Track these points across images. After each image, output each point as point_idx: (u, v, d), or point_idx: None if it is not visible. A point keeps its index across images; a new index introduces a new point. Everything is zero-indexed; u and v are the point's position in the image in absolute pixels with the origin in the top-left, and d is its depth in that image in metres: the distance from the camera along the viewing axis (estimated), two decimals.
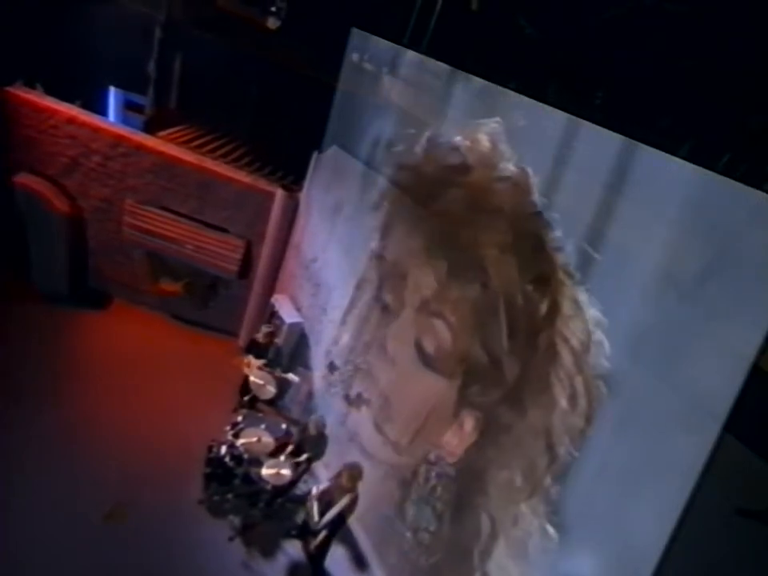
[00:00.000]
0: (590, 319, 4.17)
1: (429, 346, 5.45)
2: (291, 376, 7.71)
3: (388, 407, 6.15)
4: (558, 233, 4.52)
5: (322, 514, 5.97)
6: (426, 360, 5.50)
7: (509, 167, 4.97)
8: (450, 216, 5.46)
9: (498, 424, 4.84)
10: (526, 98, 5.17)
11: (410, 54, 6.76)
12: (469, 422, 5.14)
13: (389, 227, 6.50)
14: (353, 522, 6.54)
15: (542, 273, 4.47)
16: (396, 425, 6.42)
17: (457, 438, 5.24)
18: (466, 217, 5.27)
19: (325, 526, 5.95)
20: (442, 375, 5.36)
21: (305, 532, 6.28)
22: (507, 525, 4.69)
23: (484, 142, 5.22)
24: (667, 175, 4.09)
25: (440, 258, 5.41)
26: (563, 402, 4.28)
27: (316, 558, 6.27)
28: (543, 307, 4.42)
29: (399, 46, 6.95)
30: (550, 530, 4.37)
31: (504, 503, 4.72)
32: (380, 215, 6.71)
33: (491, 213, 4.98)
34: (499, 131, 5.15)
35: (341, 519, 6.01)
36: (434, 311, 5.42)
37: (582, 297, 4.25)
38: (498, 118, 5.19)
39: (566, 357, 4.28)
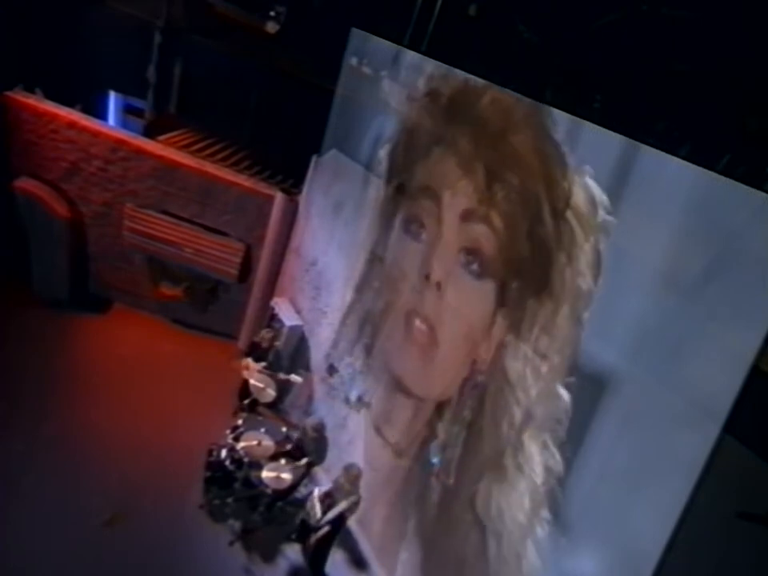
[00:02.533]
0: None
1: (477, 256, 5.46)
2: (294, 376, 7.70)
3: (434, 345, 5.96)
4: None
5: (323, 514, 5.96)
6: (474, 271, 5.50)
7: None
8: (477, 131, 5.53)
9: (521, 312, 5.05)
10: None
11: (409, 57, 6.78)
12: (500, 324, 5.26)
13: (409, 163, 6.48)
14: (353, 525, 6.55)
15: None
16: (396, 427, 6.43)
17: (488, 344, 5.35)
18: (494, 127, 5.36)
19: (325, 525, 5.94)
20: (492, 280, 5.36)
21: (304, 533, 6.26)
22: (536, 405, 4.85)
23: None
24: (667, 175, 4.10)
25: (476, 166, 5.47)
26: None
27: (315, 561, 6.25)
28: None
29: (398, 48, 6.96)
30: (563, 392, 4.62)
31: (531, 384, 4.92)
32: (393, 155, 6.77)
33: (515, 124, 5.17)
34: None
35: (341, 520, 6.00)
36: (480, 217, 5.40)
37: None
38: None
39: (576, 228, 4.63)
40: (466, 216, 5.57)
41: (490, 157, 5.35)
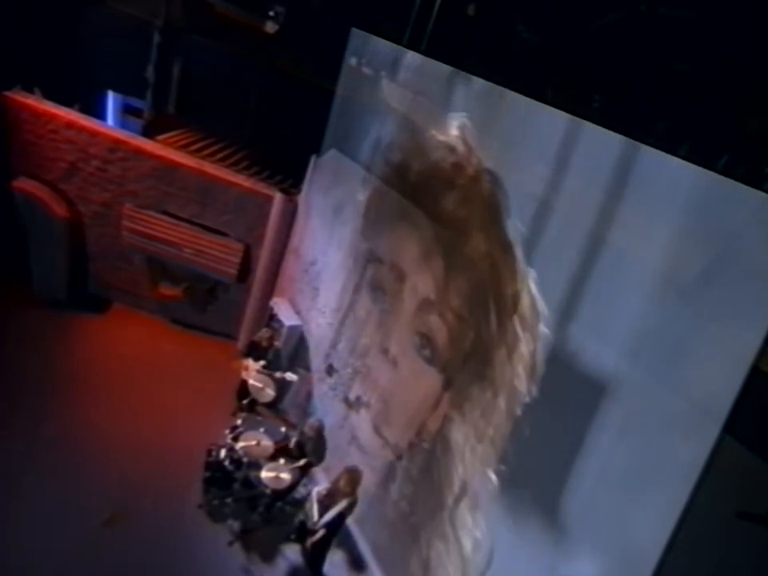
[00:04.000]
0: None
1: (429, 343, 5.82)
2: (289, 375, 7.71)
3: (387, 409, 6.40)
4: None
5: (321, 515, 5.96)
6: (426, 356, 5.87)
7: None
8: (444, 217, 5.80)
9: (465, 395, 5.45)
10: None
11: (408, 58, 6.78)
12: (446, 402, 5.68)
13: (379, 230, 6.81)
14: (352, 525, 6.55)
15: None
16: (394, 427, 6.43)
17: (436, 419, 5.78)
18: (458, 215, 5.64)
19: (323, 527, 5.94)
20: (438, 368, 5.78)
21: (303, 533, 6.26)
22: (472, 480, 5.28)
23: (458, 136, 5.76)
24: (666, 176, 4.10)
25: (436, 259, 5.82)
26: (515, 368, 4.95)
27: (314, 561, 6.25)
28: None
29: (398, 48, 6.96)
30: (493, 476, 5.05)
31: (468, 460, 5.37)
32: (367, 216, 7.06)
33: (479, 210, 5.44)
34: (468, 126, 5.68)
35: (339, 521, 6.00)
36: (434, 310, 5.78)
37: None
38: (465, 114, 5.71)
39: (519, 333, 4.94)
40: (423, 306, 5.96)
41: (449, 254, 5.68)
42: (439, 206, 5.83)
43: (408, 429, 6.12)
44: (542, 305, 4.73)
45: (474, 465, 5.25)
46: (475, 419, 5.28)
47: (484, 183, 5.38)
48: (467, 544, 5.20)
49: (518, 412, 4.83)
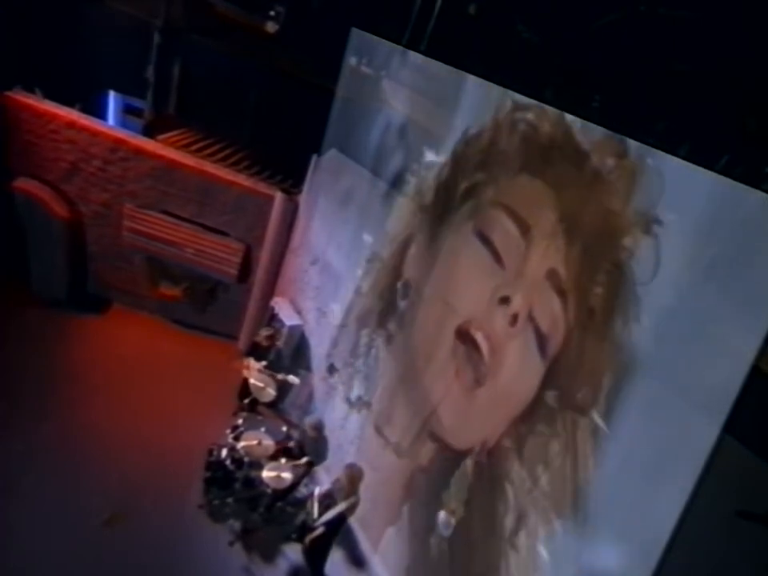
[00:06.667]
0: None
1: (538, 327, 4.91)
2: (291, 378, 7.70)
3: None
4: None
5: (321, 514, 5.96)
6: (540, 336, 4.93)
7: None
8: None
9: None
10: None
11: (409, 57, 6.78)
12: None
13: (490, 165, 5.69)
14: (354, 526, 6.55)
15: None
16: (396, 427, 6.43)
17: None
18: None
19: (323, 525, 5.94)
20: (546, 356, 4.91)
21: (305, 533, 6.26)
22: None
23: None
24: (665, 175, 4.10)
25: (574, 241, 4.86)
26: None
27: (314, 561, 6.25)
28: None
29: (397, 48, 6.97)
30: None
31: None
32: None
33: None
34: None
35: (340, 521, 6.00)
36: (560, 291, 4.79)
37: None
38: None
39: None
40: (551, 277, 4.87)
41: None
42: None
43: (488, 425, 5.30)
44: None
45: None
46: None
47: None
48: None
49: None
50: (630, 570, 4.05)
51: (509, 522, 4.93)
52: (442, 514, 5.61)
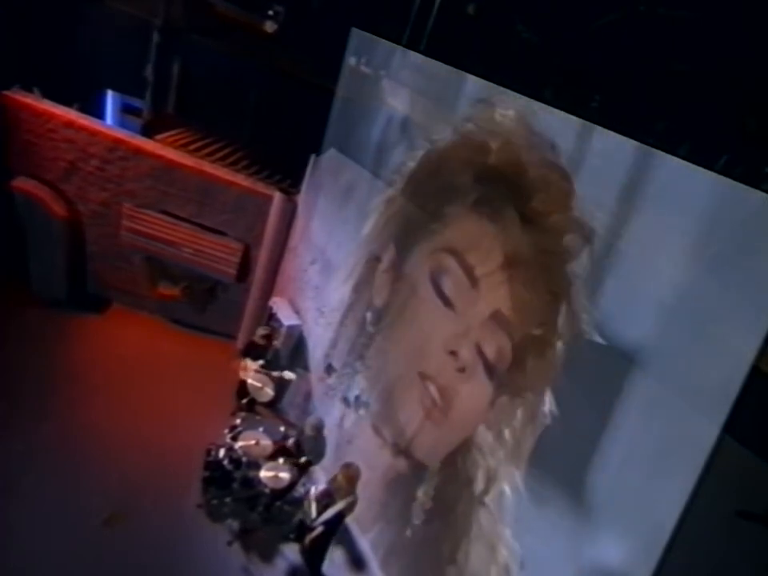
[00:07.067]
0: None
1: (487, 360, 5.38)
2: (287, 374, 7.71)
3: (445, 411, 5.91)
4: None
5: (319, 514, 5.96)
6: (489, 367, 5.40)
7: None
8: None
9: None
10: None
11: (408, 57, 6.78)
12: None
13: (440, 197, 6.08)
14: (352, 525, 6.55)
15: None
16: (394, 427, 6.43)
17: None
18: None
19: (321, 525, 5.94)
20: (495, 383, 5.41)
21: (303, 532, 6.26)
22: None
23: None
24: (665, 175, 4.10)
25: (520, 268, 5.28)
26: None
27: (313, 560, 6.25)
28: None
29: (397, 48, 6.97)
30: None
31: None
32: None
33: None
34: None
35: (338, 520, 6.00)
36: (506, 329, 5.24)
37: None
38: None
39: None
40: (497, 317, 5.27)
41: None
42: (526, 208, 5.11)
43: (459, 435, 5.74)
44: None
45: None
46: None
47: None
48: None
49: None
50: (630, 570, 4.05)
51: (479, 483, 5.32)
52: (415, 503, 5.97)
